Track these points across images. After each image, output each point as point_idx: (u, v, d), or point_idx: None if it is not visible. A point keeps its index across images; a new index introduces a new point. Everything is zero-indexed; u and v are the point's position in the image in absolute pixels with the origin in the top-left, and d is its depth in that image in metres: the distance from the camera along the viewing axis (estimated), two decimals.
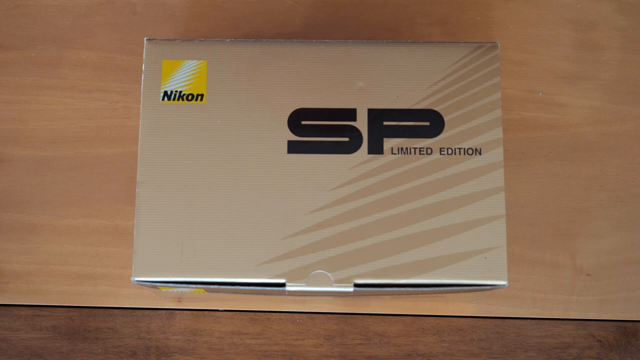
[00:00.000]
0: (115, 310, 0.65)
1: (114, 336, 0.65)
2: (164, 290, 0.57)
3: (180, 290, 0.57)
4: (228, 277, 0.54)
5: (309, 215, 0.54)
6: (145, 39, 0.57)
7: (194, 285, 0.54)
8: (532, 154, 0.67)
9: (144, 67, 0.57)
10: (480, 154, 0.55)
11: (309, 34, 0.69)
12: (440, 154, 0.55)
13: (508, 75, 0.68)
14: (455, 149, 0.55)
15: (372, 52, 0.57)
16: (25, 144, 0.67)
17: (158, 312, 0.65)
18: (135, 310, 0.65)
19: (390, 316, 0.65)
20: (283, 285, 0.54)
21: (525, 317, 0.65)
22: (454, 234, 0.54)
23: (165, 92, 0.56)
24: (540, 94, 0.68)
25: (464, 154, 0.55)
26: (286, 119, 0.56)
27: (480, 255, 0.54)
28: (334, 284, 0.53)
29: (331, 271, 0.54)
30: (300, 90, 0.56)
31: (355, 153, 0.55)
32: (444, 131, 0.56)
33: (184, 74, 0.56)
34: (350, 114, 0.56)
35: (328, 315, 0.65)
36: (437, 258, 0.54)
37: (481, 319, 0.65)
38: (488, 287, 0.54)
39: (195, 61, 0.57)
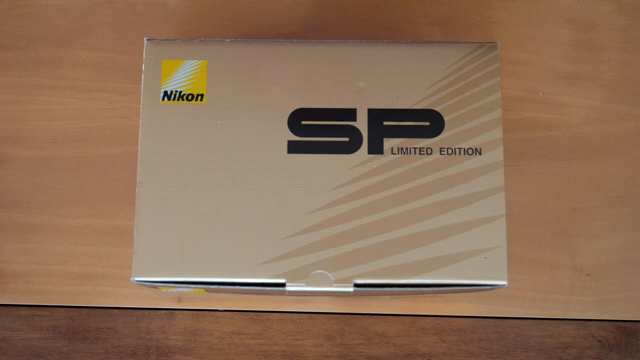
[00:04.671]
0: (115, 310, 0.65)
1: (114, 336, 0.65)
2: (164, 290, 0.57)
3: (180, 290, 0.57)
4: (228, 277, 0.54)
5: (309, 215, 0.54)
6: (145, 39, 0.57)
7: (194, 285, 0.54)
8: (532, 154, 0.67)
9: (144, 67, 0.57)
10: (480, 154, 0.55)
11: (309, 34, 0.69)
12: (440, 154, 0.55)
13: (508, 75, 0.68)
14: (455, 149, 0.55)
15: (372, 52, 0.57)
16: (25, 144, 0.67)
17: (158, 312, 0.65)
18: (135, 310, 0.65)
19: (390, 316, 0.65)
20: (283, 285, 0.54)
21: (525, 317, 0.65)
22: (454, 234, 0.54)
23: (165, 92, 0.56)
24: (540, 94, 0.68)
25: (464, 154, 0.55)
26: (286, 119, 0.56)
27: (480, 255, 0.54)
28: (334, 284, 0.53)
29: (331, 271, 0.54)
30: (300, 90, 0.56)
31: (355, 153, 0.55)
32: (444, 131, 0.56)
33: (184, 74, 0.56)
34: (350, 114, 0.56)
35: (328, 315, 0.65)
36: (437, 258, 0.54)
37: (481, 319, 0.65)
38: (488, 287, 0.54)
39: (195, 61, 0.57)
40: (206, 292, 0.58)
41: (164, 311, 0.65)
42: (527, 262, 0.66)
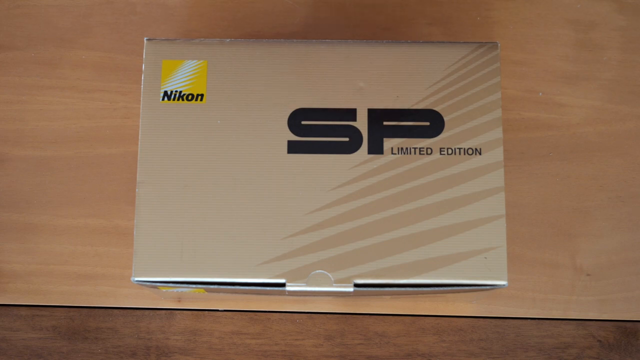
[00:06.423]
0: (115, 310, 0.65)
1: (114, 336, 0.65)
2: (164, 290, 0.57)
3: (180, 290, 0.57)
4: (228, 277, 0.54)
5: (309, 215, 0.54)
6: (145, 39, 0.57)
7: (194, 285, 0.54)
8: (532, 154, 0.67)
9: (144, 67, 0.57)
10: (480, 154, 0.55)
11: (309, 34, 0.69)
12: (440, 154, 0.55)
13: (508, 75, 0.68)
14: (455, 149, 0.55)
15: (372, 52, 0.57)
16: (25, 144, 0.67)
17: (158, 312, 0.65)
18: (135, 310, 0.65)
19: (390, 316, 0.65)
20: (283, 285, 0.54)
21: (525, 317, 0.65)
22: (454, 234, 0.54)
23: (165, 92, 0.56)
24: (540, 94, 0.68)
25: (464, 154, 0.55)
26: (286, 119, 0.56)
27: (480, 255, 0.54)
28: (334, 284, 0.53)
29: (331, 271, 0.54)
30: (300, 90, 0.56)
31: (355, 153, 0.55)
32: (444, 131, 0.56)
33: (184, 74, 0.56)
34: (350, 114, 0.56)
35: (328, 315, 0.65)
36: (437, 258, 0.54)
37: (481, 319, 0.65)
38: (488, 287, 0.54)
39: (195, 61, 0.57)
40: (206, 292, 0.58)
41: (164, 311, 0.65)
42: (527, 262, 0.66)
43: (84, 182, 0.67)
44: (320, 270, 0.54)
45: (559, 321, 0.65)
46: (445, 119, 0.56)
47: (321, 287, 0.53)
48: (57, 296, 0.65)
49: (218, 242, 0.54)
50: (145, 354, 0.64)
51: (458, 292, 0.55)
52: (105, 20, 0.69)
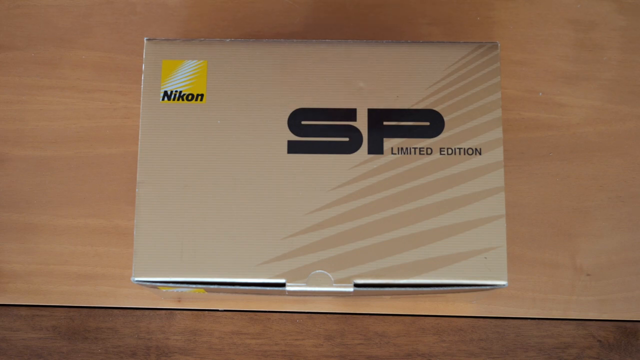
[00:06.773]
0: (115, 310, 0.65)
1: (114, 336, 0.65)
2: (164, 290, 0.57)
3: (180, 290, 0.57)
4: (228, 277, 0.54)
5: (309, 215, 0.54)
6: (145, 39, 0.57)
7: (194, 285, 0.54)
8: (532, 154, 0.67)
9: (144, 67, 0.57)
10: (480, 154, 0.55)
11: (309, 34, 0.69)
12: (440, 154, 0.55)
13: (508, 75, 0.68)
14: (455, 149, 0.55)
15: (372, 52, 0.57)
16: (25, 144, 0.67)
17: (158, 312, 0.65)
18: (135, 310, 0.65)
19: (390, 316, 0.65)
20: (283, 285, 0.54)
21: (525, 317, 0.65)
22: (454, 234, 0.54)
23: (165, 92, 0.56)
24: (540, 94, 0.68)
25: (464, 154, 0.55)
26: (286, 119, 0.56)
27: (480, 255, 0.54)
28: (334, 284, 0.53)
29: (331, 271, 0.54)
30: (300, 90, 0.56)
31: (355, 153, 0.55)
32: (444, 131, 0.56)
33: (184, 74, 0.56)
34: (350, 114, 0.56)
35: (328, 315, 0.65)
36: (437, 258, 0.54)
37: (481, 319, 0.65)
38: (488, 287, 0.54)
39: (195, 61, 0.57)
40: (206, 292, 0.58)
41: (164, 311, 0.65)
42: (527, 262, 0.66)
43: (84, 182, 0.67)
44: (320, 270, 0.54)
45: (559, 321, 0.65)
46: (445, 119, 0.56)
47: (321, 287, 0.53)
48: (57, 296, 0.65)
49: (218, 242, 0.54)
50: (145, 354, 0.64)
51: (458, 292, 0.55)
52: (105, 20, 0.69)
